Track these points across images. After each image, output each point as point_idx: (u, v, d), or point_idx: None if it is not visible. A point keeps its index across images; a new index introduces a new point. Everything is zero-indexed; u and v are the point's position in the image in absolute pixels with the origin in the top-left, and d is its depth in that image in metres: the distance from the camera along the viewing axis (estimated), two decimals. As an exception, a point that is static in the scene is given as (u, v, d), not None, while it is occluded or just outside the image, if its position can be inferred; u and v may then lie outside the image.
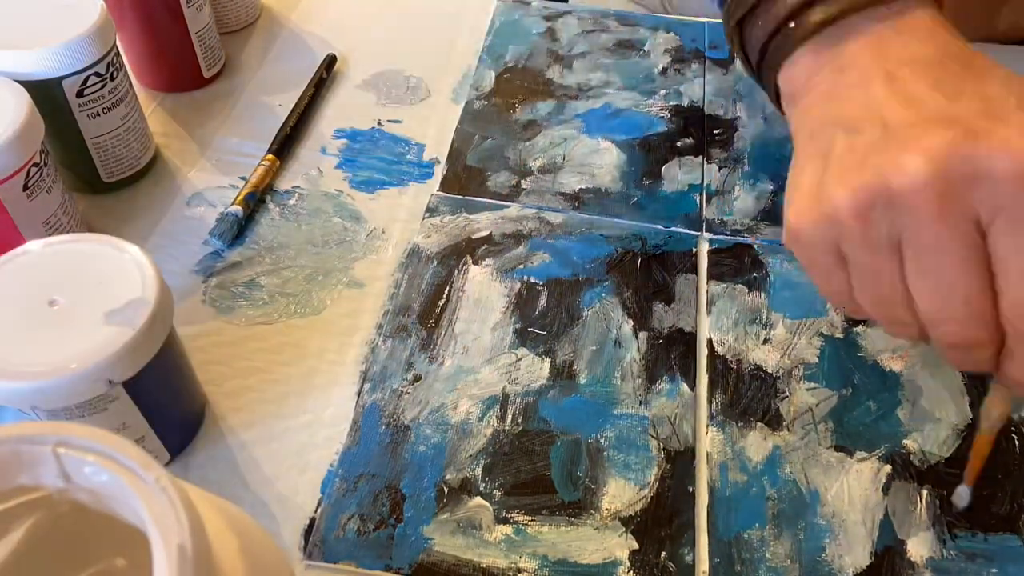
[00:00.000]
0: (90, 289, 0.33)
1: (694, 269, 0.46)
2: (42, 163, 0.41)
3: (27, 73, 0.43)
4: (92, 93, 0.45)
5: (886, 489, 0.38)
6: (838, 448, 0.39)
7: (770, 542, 0.36)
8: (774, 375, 0.42)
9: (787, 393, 0.41)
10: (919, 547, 0.36)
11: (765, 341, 0.43)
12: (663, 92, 0.57)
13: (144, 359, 0.33)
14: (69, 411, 0.32)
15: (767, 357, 0.43)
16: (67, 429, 0.19)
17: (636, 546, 0.36)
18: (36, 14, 0.44)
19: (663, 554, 0.36)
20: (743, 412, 0.40)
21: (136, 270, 0.34)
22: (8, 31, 0.43)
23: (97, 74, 0.45)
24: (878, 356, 0.43)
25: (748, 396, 0.41)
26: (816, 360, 0.43)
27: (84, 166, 0.48)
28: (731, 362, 0.42)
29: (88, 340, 0.32)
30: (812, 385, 0.42)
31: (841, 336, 0.43)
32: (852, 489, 0.38)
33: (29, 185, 0.40)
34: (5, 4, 0.45)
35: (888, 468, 0.39)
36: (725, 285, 0.46)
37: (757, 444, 0.39)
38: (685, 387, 0.41)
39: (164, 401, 0.36)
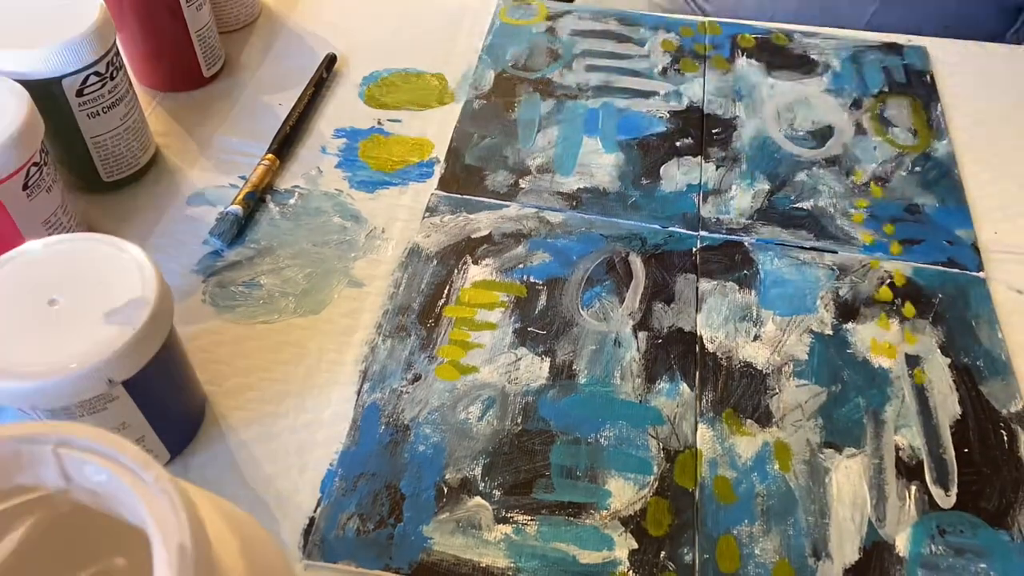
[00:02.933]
0: (90, 289, 0.33)
1: (694, 269, 0.46)
2: (42, 163, 0.41)
3: (27, 73, 0.43)
4: (92, 92, 0.45)
5: (875, 485, 0.38)
6: (827, 444, 0.39)
7: (759, 538, 0.36)
8: (764, 372, 0.42)
9: (777, 390, 0.41)
10: (908, 543, 0.36)
11: (755, 338, 0.43)
12: (662, 92, 0.57)
13: (144, 358, 0.33)
14: (69, 411, 0.32)
15: (757, 354, 0.43)
16: (67, 429, 0.20)
17: (635, 546, 0.36)
18: (36, 14, 0.44)
19: (662, 554, 0.36)
20: (733, 409, 0.41)
21: (136, 270, 0.34)
22: (8, 31, 0.43)
23: (97, 73, 0.45)
24: (867, 353, 0.43)
25: (738, 393, 0.41)
26: (806, 357, 0.43)
27: (84, 165, 0.48)
28: (721, 359, 0.43)
29: (88, 340, 0.32)
30: (802, 382, 0.42)
31: (831, 333, 0.44)
32: (841, 485, 0.38)
33: (29, 185, 0.40)
34: (5, 4, 0.45)
35: (877, 464, 0.39)
36: (715, 282, 0.46)
37: (747, 441, 0.40)
38: (684, 387, 0.41)
39: (164, 400, 0.36)
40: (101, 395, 0.32)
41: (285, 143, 0.52)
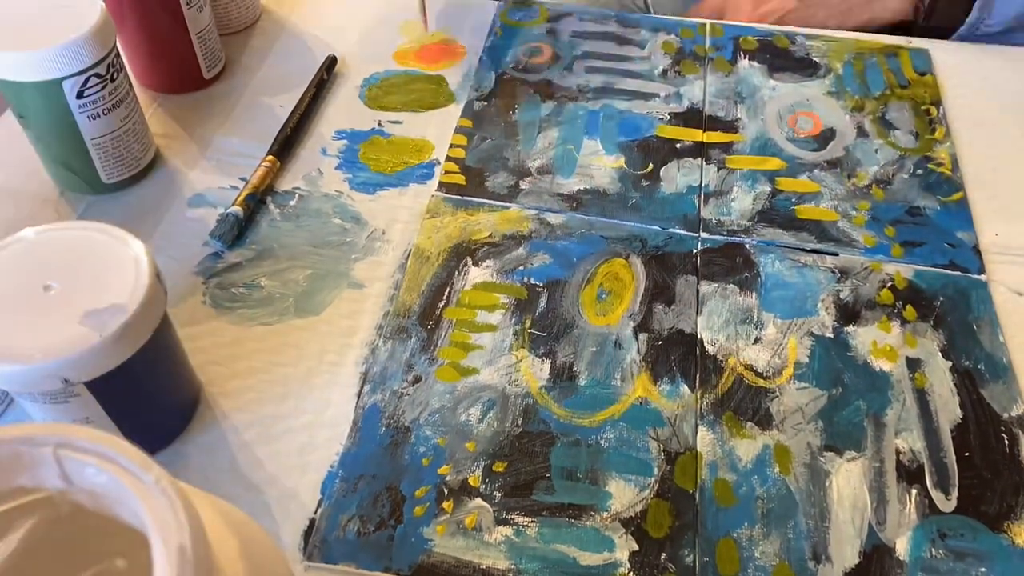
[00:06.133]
0: (85, 281, 0.33)
1: (694, 270, 0.46)
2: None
3: (27, 75, 0.43)
4: (92, 94, 0.45)
5: (875, 488, 0.38)
6: (828, 448, 0.39)
7: (759, 541, 0.36)
8: (765, 375, 0.42)
9: (777, 393, 0.41)
10: (908, 546, 0.36)
11: (756, 341, 0.43)
12: (663, 94, 0.57)
13: (109, 364, 0.33)
14: (33, 396, 0.33)
15: (758, 357, 0.43)
16: (67, 431, 0.19)
17: (636, 547, 0.36)
18: (36, 15, 0.44)
19: (663, 555, 0.36)
20: (733, 412, 0.41)
21: (133, 269, 0.34)
22: (8, 32, 0.43)
23: (97, 75, 0.45)
24: (868, 356, 0.43)
25: (738, 396, 0.41)
26: (807, 360, 0.43)
27: (84, 167, 0.48)
28: (721, 361, 0.42)
29: (55, 335, 0.32)
30: (802, 385, 0.42)
31: (832, 336, 0.44)
32: (841, 488, 0.38)
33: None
34: (5, 5, 0.45)
35: (877, 467, 0.39)
36: (716, 285, 0.46)
37: (747, 444, 0.39)
38: (685, 388, 0.41)
39: (136, 403, 0.36)
40: (59, 390, 0.33)
41: (285, 145, 0.52)
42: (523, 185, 0.51)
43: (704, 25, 0.62)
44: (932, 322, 0.44)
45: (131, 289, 0.33)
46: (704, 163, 0.52)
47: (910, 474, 0.38)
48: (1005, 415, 0.41)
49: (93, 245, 0.35)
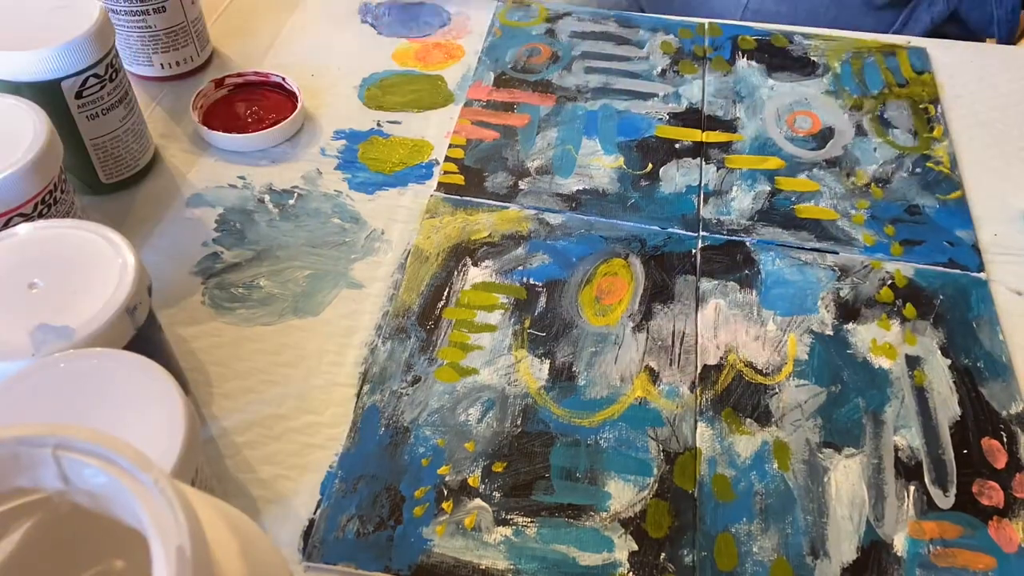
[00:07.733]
0: (69, 282, 0.33)
1: (693, 270, 0.46)
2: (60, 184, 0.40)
3: (26, 75, 0.42)
4: (91, 94, 0.45)
5: (873, 485, 0.38)
6: (826, 444, 0.39)
7: (757, 536, 0.36)
8: (764, 372, 0.42)
9: (776, 390, 0.41)
10: (906, 542, 0.36)
11: (756, 338, 0.43)
12: (662, 94, 0.57)
13: None
14: None
15: (757, 354, 0.43)
16: (66, 431, 0.19)
17: (635, 547, 0.36)
18: (35, 15, 0.44)
19: (662, 555, 0.36)
20: (733, 408, 0.41)
21: (118, 273, 0.33)
22: (7, 32, 0.43)
23: (96, 75, 0.45)
24: (868, 353, 0.43)
25: (738, 392, 0.41)
26: (806, 357, 0.43)
27: (83, 167, 0.48)
28: (722, 358, 0.42)
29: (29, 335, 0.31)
30: (801, 382, 0.42)
31: (831, 334, 0.44)
32: (840, 485, 0.38)
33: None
34: (4, 5, 0.45)
35: (876, 464, 0.39)
36: (717, 282, 0.46)
37: (746, 440, 0.39)
38: (684, 389, 0.41)
39: None
40: None
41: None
42: (522, 185, 0.51)
43: (703, 25, 0.62)
44: (932, 320, 0.44)
45: (108, 296, 0.32)
46: (703, 163, 0.52)
47: (908, 471, 0.39)
48: (1004, 413, 0.41)
49: (84, 245, 0.34)
